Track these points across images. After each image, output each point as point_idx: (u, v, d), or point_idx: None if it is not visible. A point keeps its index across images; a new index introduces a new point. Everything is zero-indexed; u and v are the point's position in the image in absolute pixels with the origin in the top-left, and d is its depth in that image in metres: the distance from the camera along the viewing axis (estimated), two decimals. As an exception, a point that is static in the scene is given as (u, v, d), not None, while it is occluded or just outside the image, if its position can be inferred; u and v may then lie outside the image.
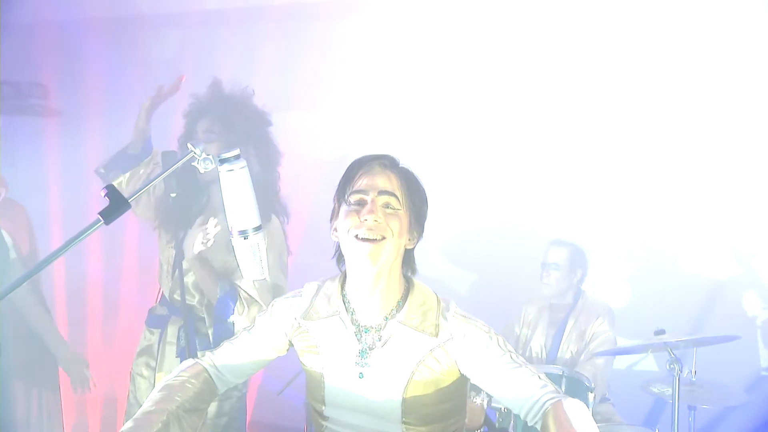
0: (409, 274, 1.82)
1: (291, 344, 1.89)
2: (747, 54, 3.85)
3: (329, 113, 4.30)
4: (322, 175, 4.13)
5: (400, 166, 1.77)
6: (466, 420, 2.02)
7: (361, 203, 1.69)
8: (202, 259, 2.65)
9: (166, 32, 4.42)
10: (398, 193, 1.71)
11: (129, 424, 1.65)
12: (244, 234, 1.61)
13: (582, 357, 3.63)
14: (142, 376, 2.91)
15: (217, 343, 2.20)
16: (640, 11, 3.96)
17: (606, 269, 4.24)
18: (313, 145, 4.22)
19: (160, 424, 1.65)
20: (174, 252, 2.73)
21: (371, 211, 1.66)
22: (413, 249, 1.80)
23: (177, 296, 2.79)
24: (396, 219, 1.69)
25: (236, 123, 2.73)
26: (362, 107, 4.25)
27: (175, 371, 1.86)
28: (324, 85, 4.30)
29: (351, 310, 1.79)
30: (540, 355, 3.75)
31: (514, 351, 1.75)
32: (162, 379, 1.86)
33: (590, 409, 3.09)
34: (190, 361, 1.90)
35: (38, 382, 2.86)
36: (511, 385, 1.70)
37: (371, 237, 1.66)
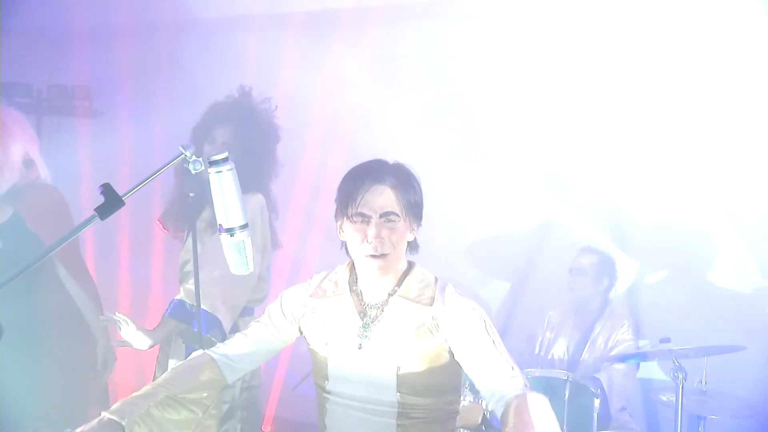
0: (412, 253, 1.99)
1: (300, 332, 2.03)
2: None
3: (349, 118, 4.40)
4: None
5: (391, 166, 1.92)
6: (465, 415, 2.11)
7: (366, 222, 1.86)
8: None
9: (192, 37, 4.59)
10: (397, 209, 1.87)
11: (116, 405, 1.78)
12: (230, 231, 1.72)
13: (603, 365, 3.63)
14: (161, 364, 3.05)
15: None
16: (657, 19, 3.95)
17: (632, 276, 4.23)
18: (335, 150, 4.33)
19: (143, 410, 1.77)
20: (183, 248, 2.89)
21: (376, 236, 1.84)
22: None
23: (187, 285, 2.94)
24: (396, 232, 1.88)
25: (253, 139, 2.84)
26: (384, 112, 4.34)
27: (185, 361, 2.01)
28: (343, 90, 4.40)
29: (358, 291, 1.96)
30: (562, 359, 3.74)
31: (497, 338, 1.87)
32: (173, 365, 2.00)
33: (594, 414, 3.12)
34: (199, 352, 2.03)
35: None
36: (485, 368, 1.83)
37: (378, 253, 1.85)
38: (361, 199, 1.85)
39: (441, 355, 1.88)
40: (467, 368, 1.88)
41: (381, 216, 1.85)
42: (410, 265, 1.98)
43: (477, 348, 1.84)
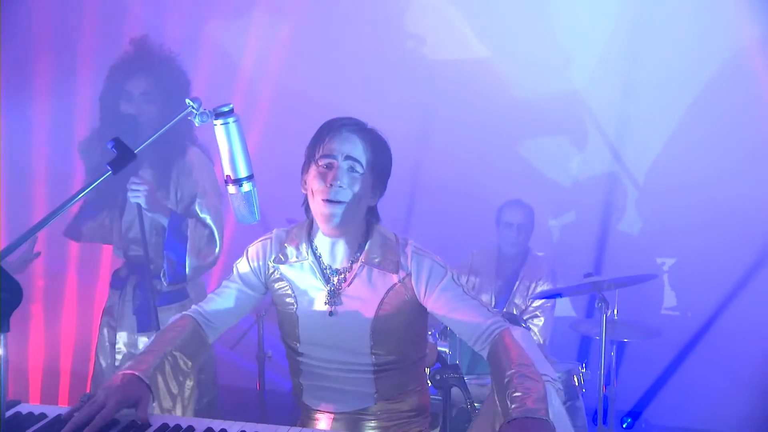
0: (373, 221, 1.99)
1: (267, 288, 2.04)
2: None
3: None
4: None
5: (368, 128, 1.94)
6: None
7: (329, 166, 1.87)
8: None
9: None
10: (363, 159, 1.88)
11: (129, 363, 1.77)
12: (238, 182, 1.74)
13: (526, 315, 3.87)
14: (103, 335, 3.00)
15: None
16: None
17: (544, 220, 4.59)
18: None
19: (154, 365, 1.75)
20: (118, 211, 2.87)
21: (336, 177, 1.85)
22: (376, 205, 1.99)
23: (132, 253, 2.92)
24: (358, 182, 1.87)
25: (165, 83, 2.78)
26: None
27: (166, 326, 1.97)
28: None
29: (318, 254, 1.98)
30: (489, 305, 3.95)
31: (465, 285, 1.98)
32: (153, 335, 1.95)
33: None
34: (177, 315, 2.02)
35: None
36: (463, 315, 1.90)
37: (335, 199, 1.85)
38: (330, 141, 1.87)
39: (410, 314, 1.95)
40: (446, 321, 1.94)
41: (345, 159, 1.86)
42: (369, 226, 1.98)
43: (452, 301, 1.90)
